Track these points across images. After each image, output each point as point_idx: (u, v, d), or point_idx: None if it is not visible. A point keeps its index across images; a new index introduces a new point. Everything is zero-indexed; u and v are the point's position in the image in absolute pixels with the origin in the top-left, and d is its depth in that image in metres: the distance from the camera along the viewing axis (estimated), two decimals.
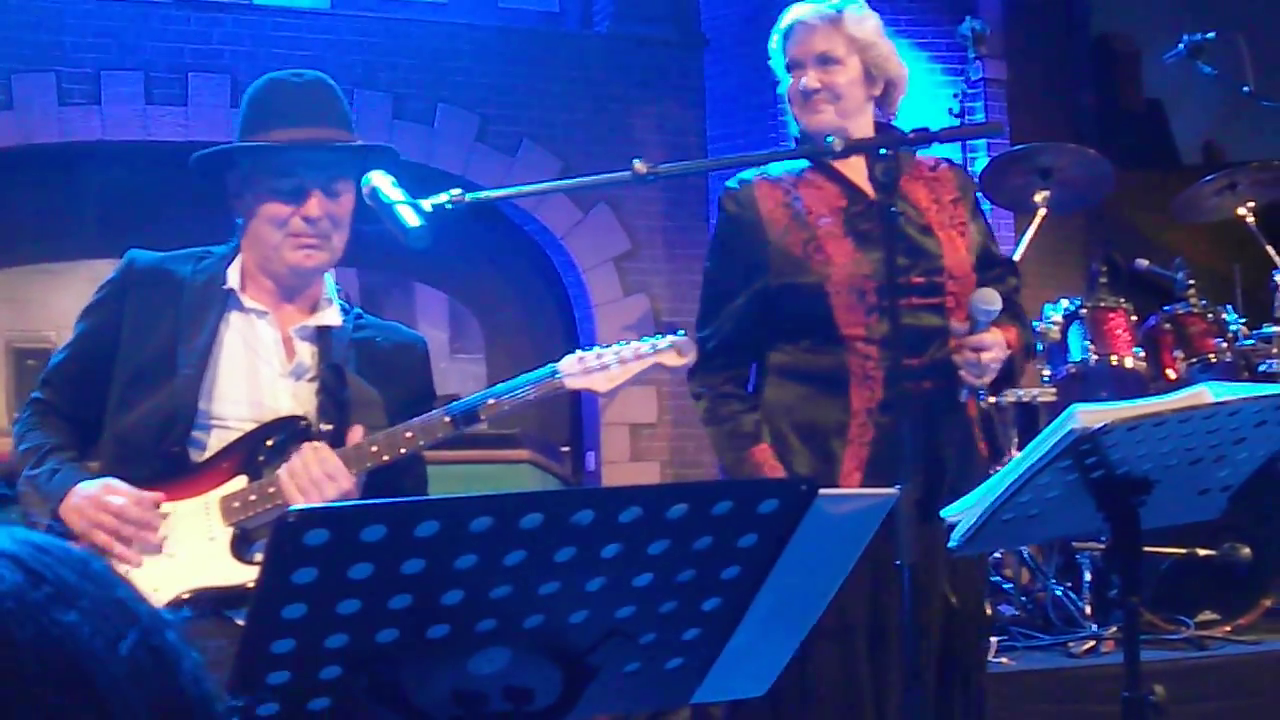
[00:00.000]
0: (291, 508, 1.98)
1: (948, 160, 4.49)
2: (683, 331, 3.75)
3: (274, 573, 2.03)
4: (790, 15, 4.27)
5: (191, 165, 3.80)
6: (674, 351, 3.66)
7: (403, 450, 3.55)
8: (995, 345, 3.96)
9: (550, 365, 3.60)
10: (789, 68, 4.25)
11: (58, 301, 10.13)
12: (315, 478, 3.44)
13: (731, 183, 4.29)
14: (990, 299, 3.90)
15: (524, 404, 3.65)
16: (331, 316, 3.80)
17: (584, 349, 3.66)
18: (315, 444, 3.50)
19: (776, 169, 4.29)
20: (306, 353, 3.75)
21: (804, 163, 4.26)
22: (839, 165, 4.22)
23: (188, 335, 3.66)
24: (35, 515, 3.53)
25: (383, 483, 3.59)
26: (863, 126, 4.20)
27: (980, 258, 4.26)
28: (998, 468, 3.71)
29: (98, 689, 1.11)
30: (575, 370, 3.60)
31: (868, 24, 4.24)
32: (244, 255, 3.77)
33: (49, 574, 1.15)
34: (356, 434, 3.55)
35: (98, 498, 3.44)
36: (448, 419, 3.56)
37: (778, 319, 4.19)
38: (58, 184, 10.40)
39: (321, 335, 3.77)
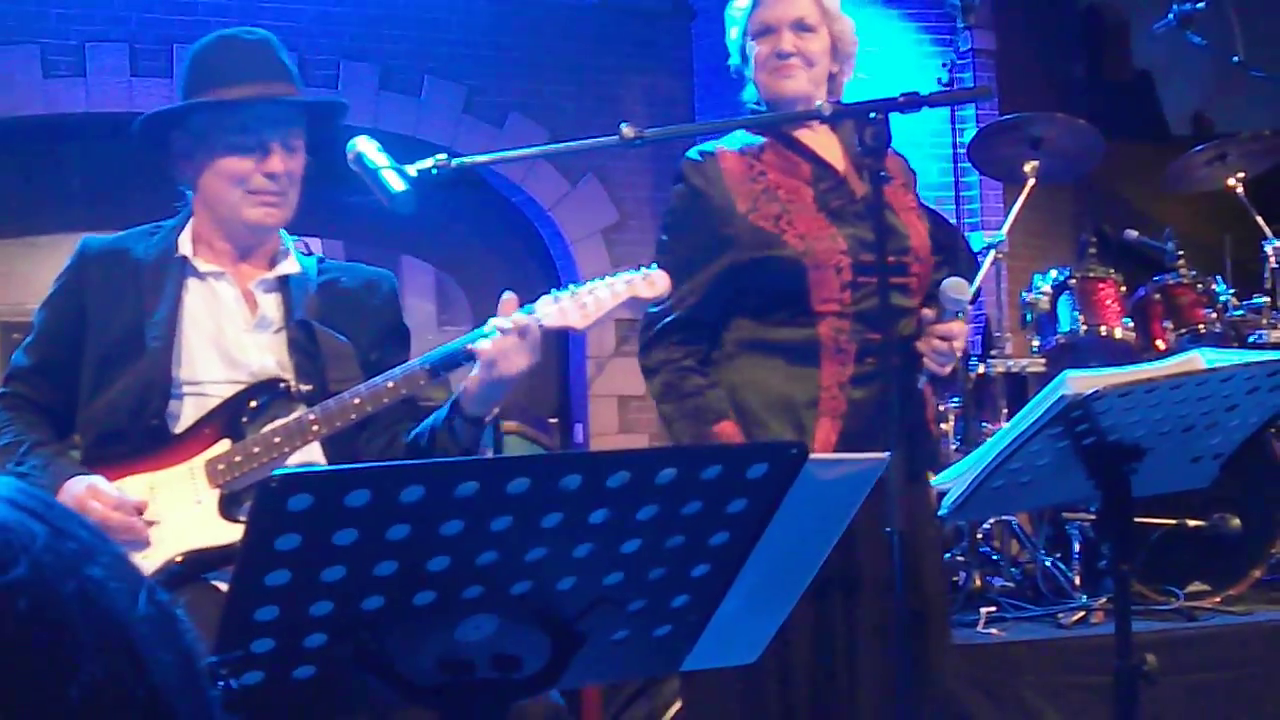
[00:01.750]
0: (275, 471, 1.95)
1: (890, 149, 4.48)
2: (655, 265, 3.71)
3: (257, 538, 2.01)
4: None
5: (137, 128, 3.76)
6: (647, 282, 3.62)
7: (385, 400, 3.53)
8: (961, 335, 3.96)
9: (527, 306, 3.56)
10: (759, 33, 4.20)
11: (42, 275, 10.03)
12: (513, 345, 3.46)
13: (692, 153, 4.23)
14: (960, 289, 3.89)
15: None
16: (290, 266, 3.80)
17: (559, 289, 3.63)
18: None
19: (735, 141, 4.24)
20: (271, 304, 3.75)
21: (760, 138, 4.22)
22: (804, 139, 4.19)
23: (150, 309, 3.65)
24: None
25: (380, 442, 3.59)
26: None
27: (931, 243, 4.26)
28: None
29: (134, 643, 1.10)
30: (551, 310, 3.56)
31: None
32: (195, 219, 3.76)
33: (69, 528, 1.14)
34: (511, 303, 3.53)
35: (82, 503, 3.42)
36: (427, 367, 3.53)
37: (746, 293, 4.13)
38: (42, 157, 10.35)
39: (283, 285, 3.77)
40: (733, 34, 4.30)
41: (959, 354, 3.99)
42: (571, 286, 3.60)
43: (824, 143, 4.20)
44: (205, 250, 3.75)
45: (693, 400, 4.09)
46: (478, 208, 11.30)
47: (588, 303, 3.56)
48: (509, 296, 3.52)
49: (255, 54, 3.72)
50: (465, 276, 11.75)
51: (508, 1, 11.43)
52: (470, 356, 3.52)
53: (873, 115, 3.61)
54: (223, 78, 3.66)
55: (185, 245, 3.73)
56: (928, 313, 3.97)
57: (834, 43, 4.21)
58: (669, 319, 4.15)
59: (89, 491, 3.44)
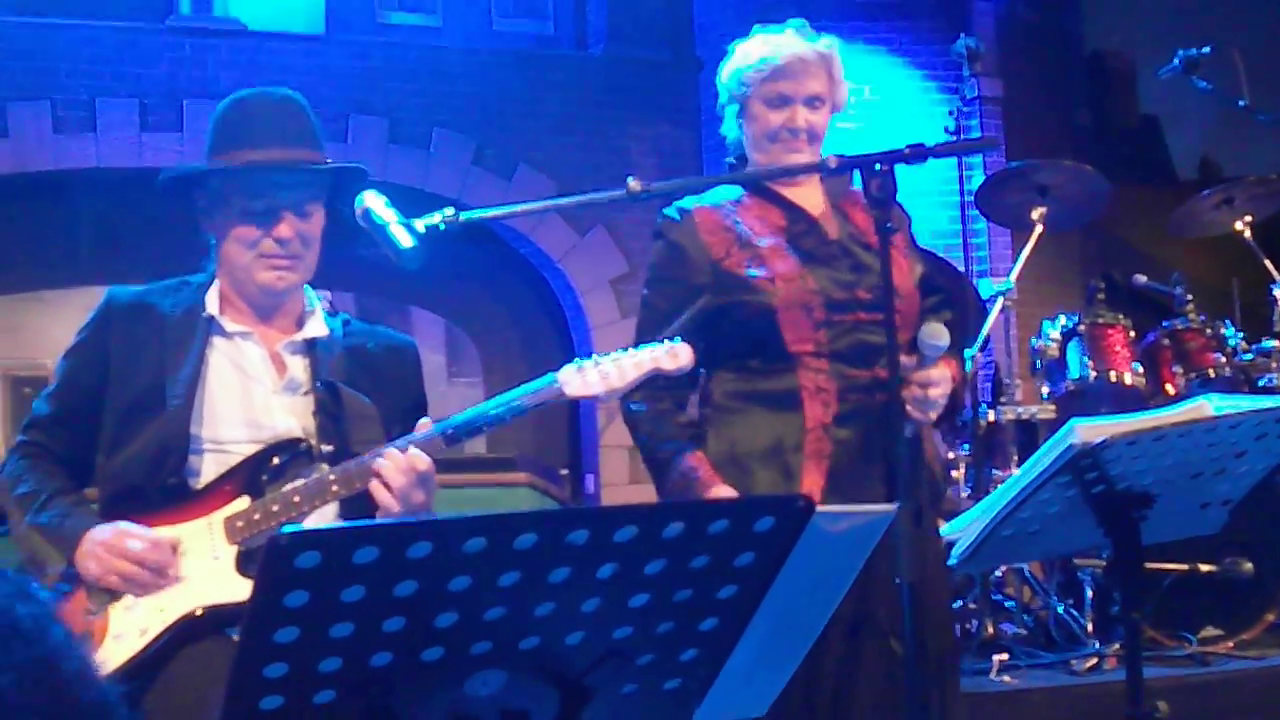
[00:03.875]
0: (283, 529, 1.95)
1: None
2: (679, 337, 3.73)
3: (266, 595, 2.01)
4: (780, 46, 4.21)
5: (159, 185, 3.80)
6: (670, 355, 3.64)
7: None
8: (942, 380, 3.96)
9: (549, 374, 3.59)
10: (772, 102, 4.20)
11: (53, 329, 10.10)
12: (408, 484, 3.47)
13: (670, 211, 4.26)
14: (938, 334, 3.88)
15: (523, 414, 3.63)
16: (317, 328, 3.80)
17: (583, 358, 3.65)
18: (391, 451, 3.50)
19: (713, 197, 4.26)
20: (298, 367, 3.75)
21: (740, 190, 4.24)
22: (782, 189, 4.21)
23: (174, 367, 3.65)
24: (45, 561, 3.51)
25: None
26: None
27: (921, 283, 4.25)
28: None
29: None
30: (574, 379, 3.58)
31: (838, 60, 4.25)
32: (220, 276, 3.77)
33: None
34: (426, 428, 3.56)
35: (115, 544, 3.43)
36: (445, 433, 3.54)
37: (723, 339, 4.15)
38: (52, 212, 10.39)
39: (310, 347, 3.78)
40: (734, 90, 4.27)
41: (940, 401, 3.97)
42: (595, 356, 3.62)
43: (799, 191, 4.22)
44: (231, 310, 3.75)
45: (672, 447, 4.14)
46: (487, 259, 11.34)
47: (610, 373, 3.59)
48: (424, 421, 3.57)
49: (278, 116, 3.73)
50: (475, 328, 11.78)
51: (515, 54, 11.50)
52: (490, 423, 3.55)
53: (878, 167, 3.62)
54: (242, 140, 3.67)
55: (213, 304, 3.73)
56: (907, 361, 3.96)
57: (834, 108, 4.24)
58: None
59: (118, 534, 3.44)
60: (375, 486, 3.47)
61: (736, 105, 4.26)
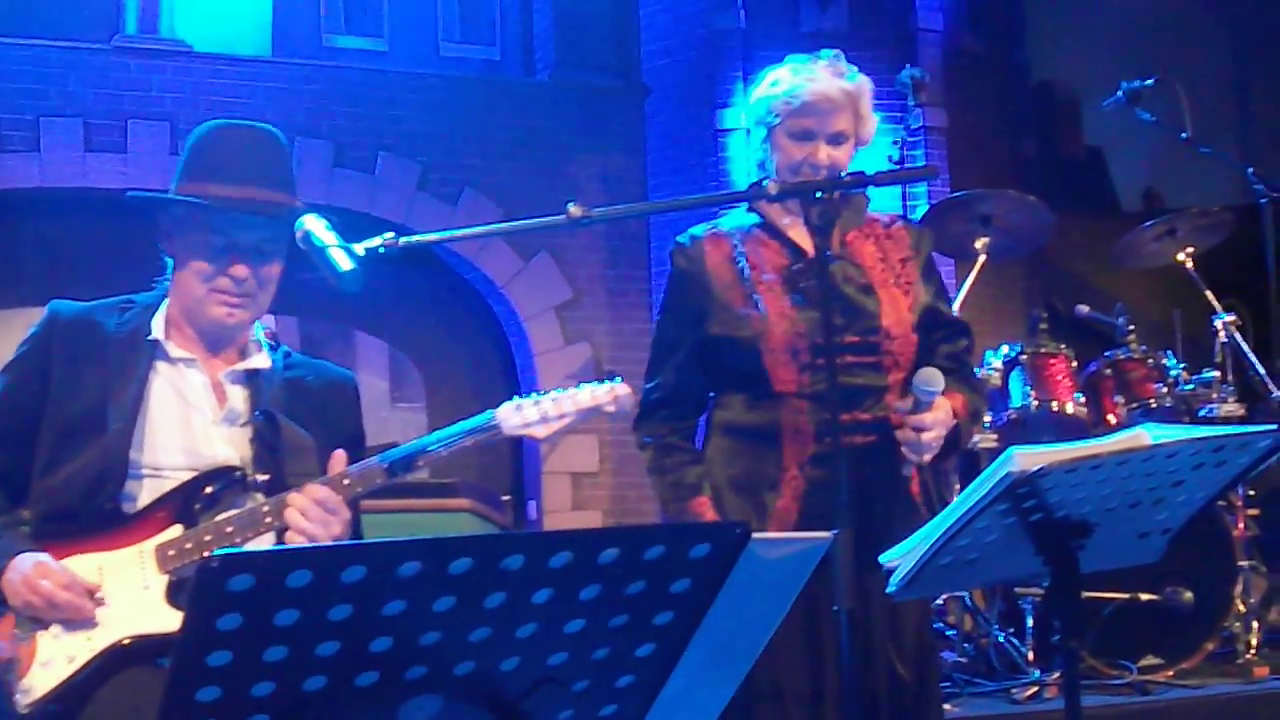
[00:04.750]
0: (215, 551, 1.94)
1: (904, 219, 4.48)
2: (619, 378, 3.73)
3: (198, 619, 1.99)
4: (809, 81, 4.19)
5: (127, 201, 3.77)
6: (610, 397, 3.65)
7: (344, 497, 3.53)
8: (937, 424, 3.97)
9: (488, 412, 3.59)
10: (796, 135, 4.19)
11: None
12: (321, 517, 3.45)
13: (682, 238, 4.30)
14: (932, 380, 3.89)
15: (461, 451, 3.63)
16: (260, 360, 3.78)
17: (522, 396, 3.65)
18: (309, 486, 3.50)
19: (728, 224, 4.30)
20: (238, 397, 3.72)
21: (754, 218, 4.26)
22: (785, 226, 4.22)
23: (116, 389, 3.62)
24: None
25: None
26: None
27: (926, 317, 4.24)
28: None
29: None
30: (513, 418, 3.59)
31: (868, 95, 4.24)
32: (170, 300, 3.75)
33: None
34: (339, 462, 3.55)
35: (32, 580, 3.39)
36: (385, 466, 3.53)
37: (719, 371, 4.21)
38: None
39: (251, 378, 3.75)
40: (761, 116, 4.25)
41: (933, 444, 3.98)
42: (534, 395, 3.63)
43: (799, 226, 4.21)
44: (177, 335, 3.72)
45: (672, 476, 4.19)
46: (431, 284, 11.33)
47: (549, 411, 3.60)
48: (338, 454, 3.58)
49: (254, 153, 3.71)
50: (419, 353, 11.77)
51: (462, 80, 11.51)
52: (429, 458, 3.56)
53: (819, 194, 3.63)
54: (215, 173, 3.64)
55: (158, 328, 3.70)
56: (902, 404, 3.98)
57: (859, 143, 4.24)
58: (655, 396, 4.27)
59: (37, 570, 3.40)
60: (290, 532, 3.48)
61: (764, 130, 4.25)
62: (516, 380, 11.34)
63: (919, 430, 3.95)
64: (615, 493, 11.18)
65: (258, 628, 1.99)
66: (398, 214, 10.75)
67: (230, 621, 1.97)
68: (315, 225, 3.48)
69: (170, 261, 3.76)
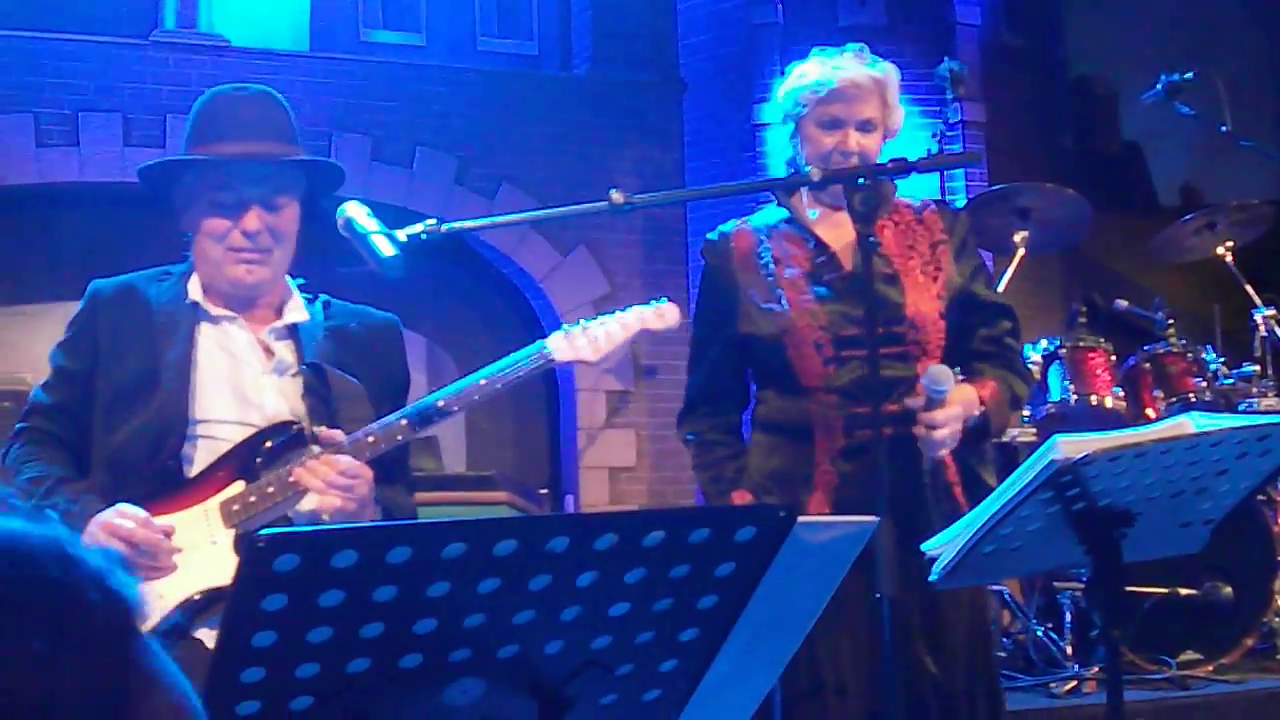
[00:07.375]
0: (261, 530, 1.94)
1: (939, 202, 4.47)
2: (665, 298, 3.78)
3: (243, 599, 1.99)
4: (836, 70, 4.23)
5: (138, 177, 3.85)
6: (656, 314, 3.71)
7: (398, 438, 3.59)
8: (949, 420, 3.95)
9: (539, 342, 3.65)
10: (825, 124, 4.20)
11: (33, 344, 10.05)
12: (337, 482, 3.47)
13: (712, 234, 4.35)
14: (940, 377, 3.89)
15: (516, 383, 3.72)
16: (298, 314, 3.82)
17: (569, 324, 3.70)
18: (323, 456, 3.51)
19: (757, 220, 4.32)
20: (285, 350, 3.77)
21: (783, 214, 4.26)
22: (812, 222, 4.22)
23: (164, 350, 3.67)
24: None
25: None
26: None
27: (960, 300, 4.22)
28: None
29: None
30: (563, 346, 3.68)
31: (895, 85, 4.25)
32: (196, 272, 3.79)
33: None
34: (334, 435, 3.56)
35: (110, 524, 3.42)
36: (439, 404, 3.65)
37: (754, 367, 4.28)
38: (34, 226, 10.36)
39: (293, 332, 3.80)
40: (789, 109, 4.25)
41: (948, 440, 3.97)
42: (582, 321, 3.65)
43: (827, 225, 4.22)
44: (214, 297, 3.77)
45: (712, 471, 4.26)
46: (469, 279, 11.33)
47: (598, 336, 3.65)
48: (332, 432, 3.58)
49: (251, 110, 3.76)
50: (456, 348, 11.75)
51: (499, 74, 11.49)
52: (441, 413, 3.59)
53: (861, 181, 3.62)
54: (214, 135, 3.70)
55: (195, 292, 3.76)
56: (915, 401, 3.96)
57: (887, 133, 4.24)
58: (694, 393, 4.35)
59: (115, 512, 3.44)
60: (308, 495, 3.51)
61: (791, 124, 4.25)
62: (554, 374, 11.33)
63: (931, 428, 3.94)
64: (653, 488, 11.16)
65: (303, 608, 1.99)
66: (435, 208, 10.72)
67: (275, 602, 1.98)
68: (357, 212, 3.49)
69: (189, 236, 3.80)
